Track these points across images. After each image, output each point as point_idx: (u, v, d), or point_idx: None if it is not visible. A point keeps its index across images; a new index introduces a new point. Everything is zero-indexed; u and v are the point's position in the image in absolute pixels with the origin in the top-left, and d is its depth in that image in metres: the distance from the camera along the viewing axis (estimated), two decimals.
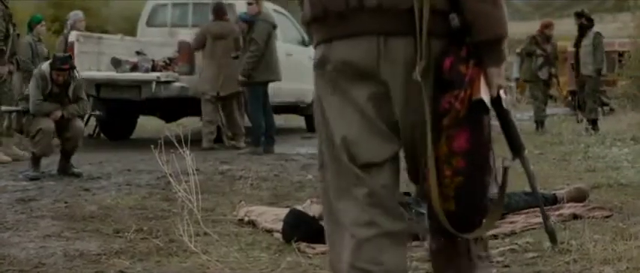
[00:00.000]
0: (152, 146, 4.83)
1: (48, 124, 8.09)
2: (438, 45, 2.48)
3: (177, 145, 4.84)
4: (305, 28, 2.78)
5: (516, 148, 2.58)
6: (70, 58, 8.42)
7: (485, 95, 2.48)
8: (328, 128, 2.62)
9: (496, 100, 2.52)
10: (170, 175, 4.92)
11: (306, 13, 2.66)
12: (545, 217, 2.75)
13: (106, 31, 17.51)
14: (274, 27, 11.02)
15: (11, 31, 9.91)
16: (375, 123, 2.56)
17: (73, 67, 8.26)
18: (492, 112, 2.56)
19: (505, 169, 2.55)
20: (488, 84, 2.50)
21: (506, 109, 2.56)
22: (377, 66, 2.50)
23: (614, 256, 4.26)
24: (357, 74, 2.53)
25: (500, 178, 2.59)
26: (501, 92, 2.54)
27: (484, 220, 2.60)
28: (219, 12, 11.61)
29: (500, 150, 2.62)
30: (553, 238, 2.73)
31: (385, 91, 2.53)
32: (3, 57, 9.72)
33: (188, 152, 4.84)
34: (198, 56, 11.72)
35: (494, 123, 2.58)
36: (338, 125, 2.59)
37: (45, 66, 8.26)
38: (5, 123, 9.71)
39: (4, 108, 9.23)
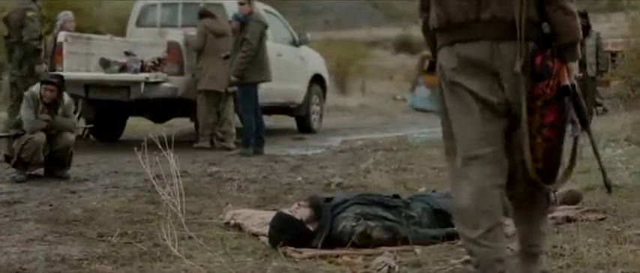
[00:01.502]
0: (135, 148, 4.74)
1: (39, 136, 8.05)
2: (532, 47, 3.36)
3: (160, 147, 4.73)
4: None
5: (584, 122, 3.45)
6: (61, 76, 8.44)
7: (566, 81, 3.36)
8: (448, 123, 3.54)
9: (572, 86, 3.39)
10: (153, 178, 4.81)
11: (433, 22, 3.52)
12: (603, 170, 3.61)
13: (98, 32, 17.32)
14: (266, 27, 10.94)
15: (42, 32, 10.34)
16: (483, 115, 3.42)
17: (62, 85, 8.26)
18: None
19: (575, 138, 3.50)
20: (568, 74, 3.39)
21: (577, 92, 3.41)
22: (491, 61, 3.37)
23: (608, 261, 4.19)
24: (473, 68, 3.38)
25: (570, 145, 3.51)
26: (574, 80, 3.42)
27: (560, 175, 3.52)
28: (208, 12, 11.63)
29: None
30: (609, 188, 3.62)
31: (496, 81, 3.38)
32: (39, 56, 10.11)
33: (172, 154, 4.73)
34: (187, 57, 11.62)
35: None
36: (457, 123, 3.49)
37: (35, 87, 8.32)
38: None
39: None
